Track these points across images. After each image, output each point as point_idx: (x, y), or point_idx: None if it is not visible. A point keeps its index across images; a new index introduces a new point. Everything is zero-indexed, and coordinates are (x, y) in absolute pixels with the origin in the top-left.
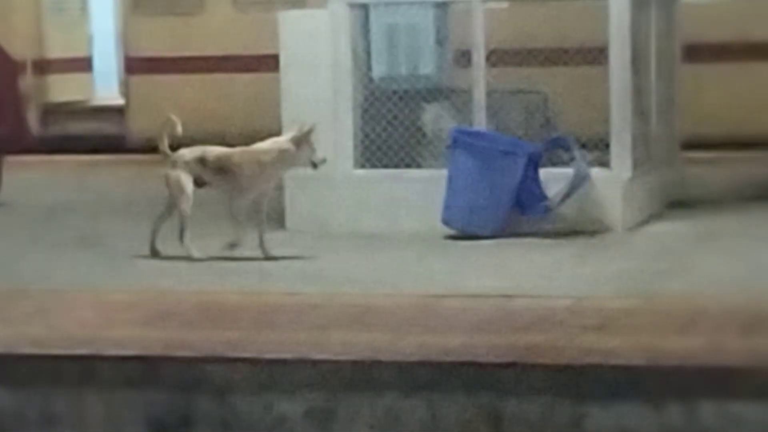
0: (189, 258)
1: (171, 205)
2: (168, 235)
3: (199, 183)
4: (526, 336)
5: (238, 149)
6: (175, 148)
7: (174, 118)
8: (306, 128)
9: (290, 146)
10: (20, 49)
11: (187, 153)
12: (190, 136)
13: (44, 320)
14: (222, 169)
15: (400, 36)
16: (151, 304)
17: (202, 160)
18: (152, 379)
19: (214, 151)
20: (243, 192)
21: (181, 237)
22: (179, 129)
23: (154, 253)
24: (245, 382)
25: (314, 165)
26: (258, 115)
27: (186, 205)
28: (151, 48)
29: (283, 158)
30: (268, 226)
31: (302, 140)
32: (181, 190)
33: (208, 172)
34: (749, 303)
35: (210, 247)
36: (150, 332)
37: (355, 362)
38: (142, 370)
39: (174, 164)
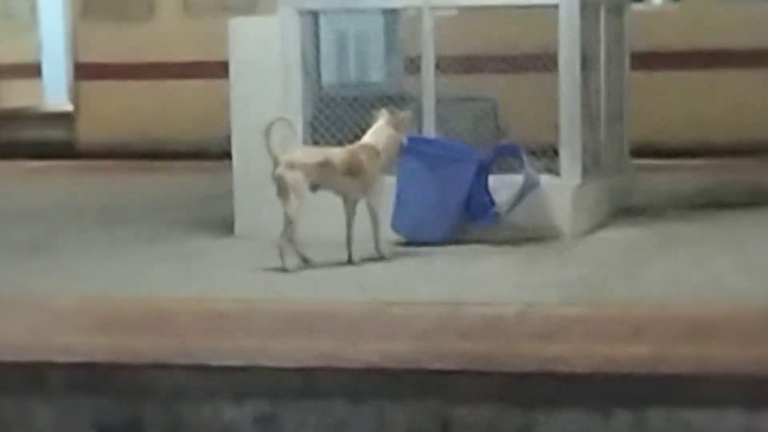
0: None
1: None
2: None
3: (312, 188)
4: (474, 343)
5: (356, 146)
6: (123, 154)
7: (285, 117)
8: (402, 114)
9: (394, 131)
10: None
11: (305, 156)
12: (138, 143)
13: None
14: (351, 170)
15: (350, 43)
16: (98, 310)
17: (326, 163)
18: (100, 386)
19: (337, 152)
20: (373, 190)
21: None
22: (293, 128)
23: (305, 261)
24: (193, 389)
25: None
26: (208, 121)
27: (298, 210)
28: (100, 54)
29: (392, 145)
30: (216, 232)
31: (400, 124)
32: (298, 193)
33: (335, 175)
34: (696, 310)
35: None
36: (97, 339)
37: (302, 369)
38: (90, 377)
39: (292, 166)
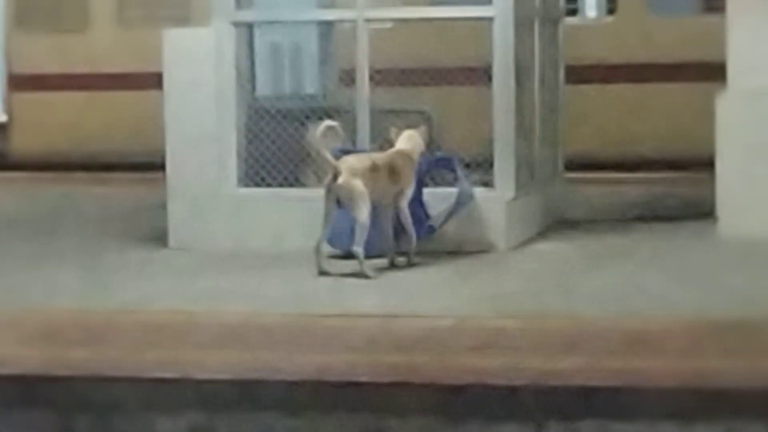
0: (362, 275)
1: (330, 218)
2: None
3: None
4: (408, 356)
5: (394, 152)
6: (57, 165)
7: (335, 123)
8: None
9: (421, 141)
10: None
11: (357, 161)
12: (73, 154)
13: None
14: (391, 174)
15: (285, 55)
16: (31, 322)
17: (374, 168)
18: (32, 398)
19: (380, 157)
20: (406, 195)
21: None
22: (341, 134)
23: (323, 273)
24: (126, 402)
25: None
26: (142, 133)
27: (368, 217)
28: (35, 65)
29: (418, 154)
30: (150, 244)
31: (424, 135)
32: (365, 199)
33: (381, 180)
34: (630, 324)
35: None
36: (29, 351)
37: (236, 381)
38: (22, 390)
39: (354, 174)
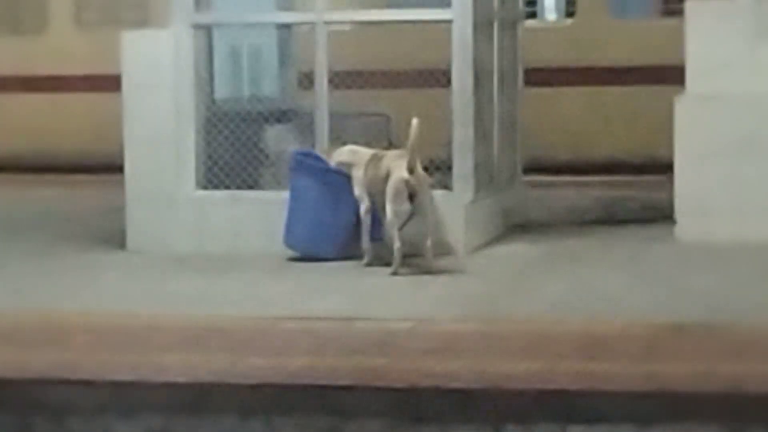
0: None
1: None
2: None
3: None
4: (366, 359)
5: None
6: (14, 167)
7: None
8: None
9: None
10: None
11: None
12: (32, 155)
13: None
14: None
15: (244, 57)
16: None
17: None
18: None
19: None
20: None
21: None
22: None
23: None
24: (83, 404)
25: None
26: (101, 135)
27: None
28: None
29: None
30: (108, 246)
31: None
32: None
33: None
34: (588, 327)
35: None
36: None
37: (193, 384)
38: None
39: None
